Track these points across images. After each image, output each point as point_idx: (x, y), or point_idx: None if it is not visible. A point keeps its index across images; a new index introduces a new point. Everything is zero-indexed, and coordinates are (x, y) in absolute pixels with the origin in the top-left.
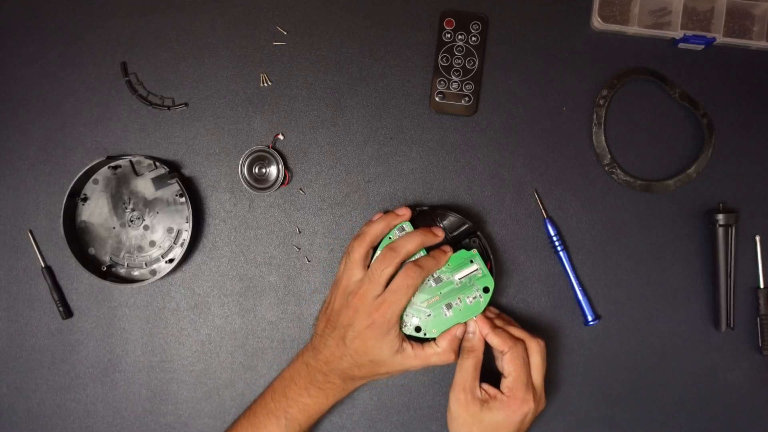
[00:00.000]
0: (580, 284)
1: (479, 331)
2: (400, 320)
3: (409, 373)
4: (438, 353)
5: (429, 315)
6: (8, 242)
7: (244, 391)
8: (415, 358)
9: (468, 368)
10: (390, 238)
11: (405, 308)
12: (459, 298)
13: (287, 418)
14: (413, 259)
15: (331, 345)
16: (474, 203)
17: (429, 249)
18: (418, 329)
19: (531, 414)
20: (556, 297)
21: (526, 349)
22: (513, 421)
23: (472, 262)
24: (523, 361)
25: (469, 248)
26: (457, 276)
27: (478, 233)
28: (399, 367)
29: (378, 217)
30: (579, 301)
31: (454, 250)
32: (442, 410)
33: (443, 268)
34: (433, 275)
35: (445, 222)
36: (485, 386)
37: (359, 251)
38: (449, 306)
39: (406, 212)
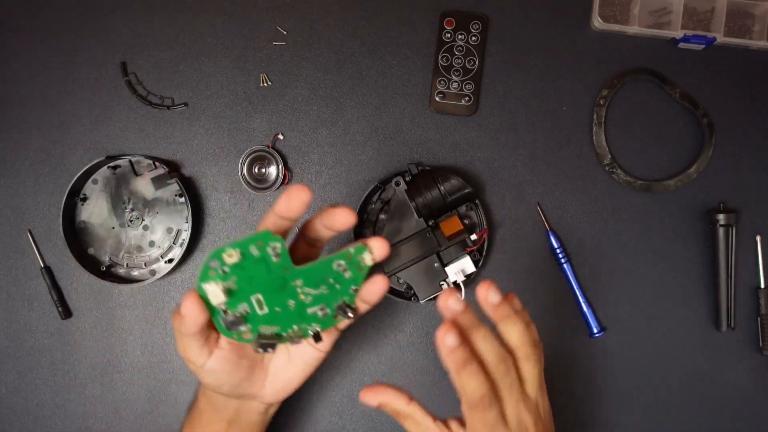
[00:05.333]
0: (583, 293)
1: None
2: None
3: (409, 373)
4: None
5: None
6: (8, 242)
7: None
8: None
9: None
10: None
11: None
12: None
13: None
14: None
15: None
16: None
17: (367, 244)
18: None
19: None
20: (557, 300)
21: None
22: None
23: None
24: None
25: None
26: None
27: (477, 201)
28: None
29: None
30: (583, 312)
31: (449, 215)
32: (442, 411)
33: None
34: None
35: (445, 184)
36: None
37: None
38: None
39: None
